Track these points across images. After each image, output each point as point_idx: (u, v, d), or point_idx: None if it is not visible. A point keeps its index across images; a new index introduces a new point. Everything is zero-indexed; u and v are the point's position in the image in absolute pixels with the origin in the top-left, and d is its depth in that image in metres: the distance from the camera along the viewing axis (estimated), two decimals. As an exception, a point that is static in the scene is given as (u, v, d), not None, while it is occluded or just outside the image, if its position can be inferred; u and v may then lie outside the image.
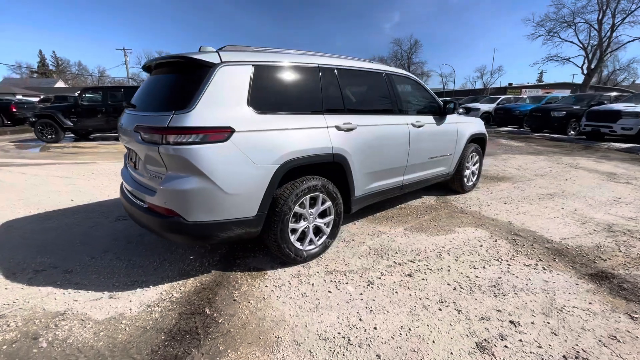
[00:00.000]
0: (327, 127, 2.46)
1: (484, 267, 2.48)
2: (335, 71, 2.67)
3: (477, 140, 4.44)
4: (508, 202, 4.06)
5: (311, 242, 2.54)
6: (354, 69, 2.86)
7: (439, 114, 3.67)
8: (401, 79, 3.36)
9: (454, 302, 2.05)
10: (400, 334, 1.78)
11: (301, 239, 2.50)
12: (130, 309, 1.97)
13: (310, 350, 1.66)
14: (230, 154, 1.96)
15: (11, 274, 2.36)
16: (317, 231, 2.61)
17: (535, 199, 4.19)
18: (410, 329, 1.81)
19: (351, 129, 2.62)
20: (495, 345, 1.69)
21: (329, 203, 2.57)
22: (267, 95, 2.23)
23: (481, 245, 2.85)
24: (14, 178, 5.18)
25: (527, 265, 2.51)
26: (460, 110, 4.47)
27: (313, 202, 2.51)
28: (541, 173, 5.66)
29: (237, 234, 2.14)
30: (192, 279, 2.31)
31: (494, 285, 2.24)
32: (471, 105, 17.32)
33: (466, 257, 2.63)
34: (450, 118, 3.81)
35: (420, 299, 2.09)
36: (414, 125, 3.22)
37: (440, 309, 1.99)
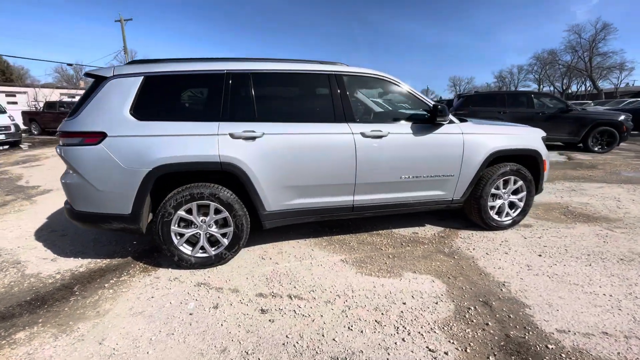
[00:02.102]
0: (218, 134, 2.36)
1: (361, 332, 1.81)
2: (251, 77, 2.51)
3: (518, 159, 3.12)
4: (548, 255, 2.68)
5: (203, 250, 2.51)
6: (280, 72, 2.59)
7: (427, 120, 2.81)
8: (361, 81, 2.78)
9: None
10: (158, 368, 1.58)
11: (194, 245, 2.51)
12: (47, 271, 2.53)
13: (77, 349, 1.71)
14: (100, 156, 2.22)
15: (40, 230, 3.41)
16: (216, 241, 2.55)
17: (612, 258, 2.59)
18: (172, 368, 1.58)
19: (252, 138, 2.41)
20: None
21: (225, 213, 2.47)
22: (154, 103, 2.36)
23: (404, 304, 2.06)
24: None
25: (429, 351, 1.67)
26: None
27: (206, 211, 2.47)
28: (695, 221, 3.37)
29: (117, 227, 2.38)
30: (108, 259, 2.72)
31: (338, 358, 1.62)
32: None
33: (360, 312, 1.98)
34: (451, 127, 2.86)
35: (232, 340, 1.76)
36: (365, 135, 2.62)
37: (232, 360, 1.63)
